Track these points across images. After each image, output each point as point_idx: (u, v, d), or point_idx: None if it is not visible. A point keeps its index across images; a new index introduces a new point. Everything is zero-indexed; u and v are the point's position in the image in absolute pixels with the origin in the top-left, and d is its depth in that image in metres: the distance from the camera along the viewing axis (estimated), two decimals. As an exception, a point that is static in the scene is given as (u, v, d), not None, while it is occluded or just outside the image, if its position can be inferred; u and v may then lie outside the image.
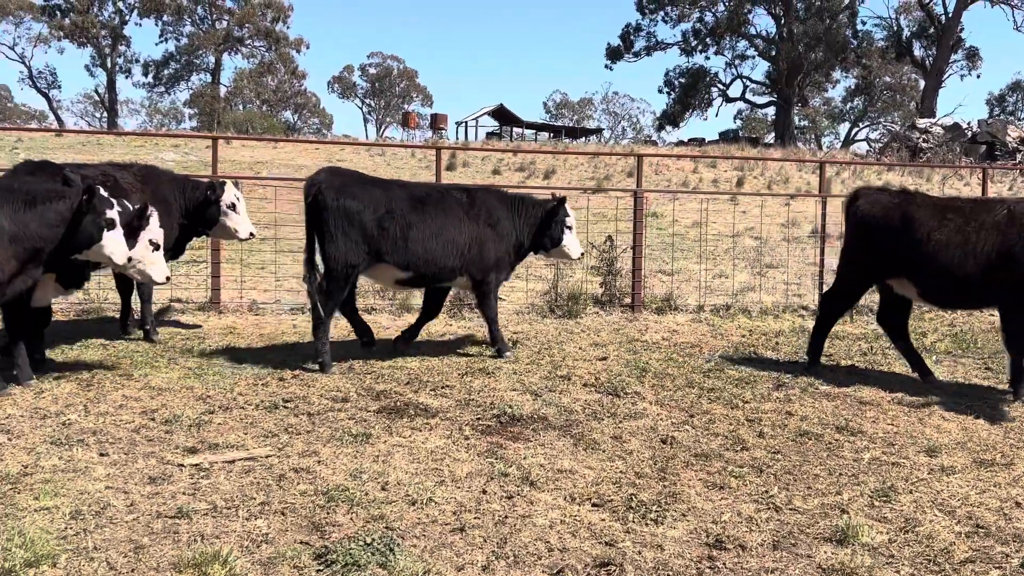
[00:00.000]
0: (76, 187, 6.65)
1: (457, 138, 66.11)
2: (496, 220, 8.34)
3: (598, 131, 77.02)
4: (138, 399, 6.57)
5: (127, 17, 71.45)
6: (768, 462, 5.69)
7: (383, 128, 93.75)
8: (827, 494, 5.20)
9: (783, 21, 63.31)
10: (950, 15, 61.47)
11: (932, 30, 62.37)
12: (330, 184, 7.70)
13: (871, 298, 9.10)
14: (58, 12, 69.82)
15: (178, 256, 9.24)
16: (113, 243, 6.67)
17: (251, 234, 9.10)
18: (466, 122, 70.20)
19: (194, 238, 9.32)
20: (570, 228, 8.71)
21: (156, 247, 7.09)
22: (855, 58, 65.53)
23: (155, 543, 4.25)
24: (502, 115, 70.41)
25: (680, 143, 56.75)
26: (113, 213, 6.64)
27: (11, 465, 5.15)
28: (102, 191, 6.70)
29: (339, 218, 7.62)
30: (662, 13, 64.57)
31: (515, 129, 69.43)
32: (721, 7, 64.28)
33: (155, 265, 7.11)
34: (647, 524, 4.68)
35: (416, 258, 7.88)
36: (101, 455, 5.38)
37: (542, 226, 8.61)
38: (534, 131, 70.21)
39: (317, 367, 7.67)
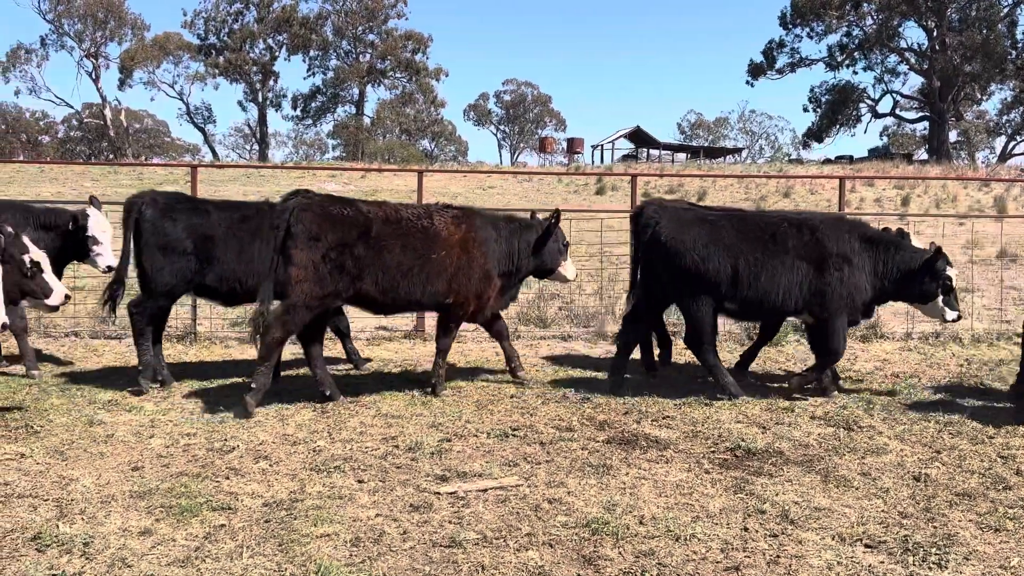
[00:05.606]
0: None
1: (592, 161, 66.24)
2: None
3: (738, 150, 75.53)
4: (374, 426, 6.76)
5: (277, 54, 75.12)
6: (1040, 503, 5.33)
7: (517, 153, 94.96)
8: (1118, 541, 4.82)
9: (936, 33, 60.63)
10: (1122, 19, 57.53)
11: (1101, 36, 58.45)
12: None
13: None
14: (213, 51, 74.08)
15: None
16: None
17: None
18: (602, 145, 70.30)
19: None
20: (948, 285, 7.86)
21: None
22: (1014, 69, 62.04)
23: (439, 572, 4.31)
24: (638, 137, 70.09)
25: (827, 161, 55.07)
26: None
27: (279, 491, 5.35)
28: None
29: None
30: (807, 29, 62.86)
31: (651, 151, 68.95)
32: (869, 20, 62.14)
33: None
34: (930, 568, 4.44)
35: None
36: (359, 482, 5.54)
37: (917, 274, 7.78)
38: (670, 152, 69.49)
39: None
